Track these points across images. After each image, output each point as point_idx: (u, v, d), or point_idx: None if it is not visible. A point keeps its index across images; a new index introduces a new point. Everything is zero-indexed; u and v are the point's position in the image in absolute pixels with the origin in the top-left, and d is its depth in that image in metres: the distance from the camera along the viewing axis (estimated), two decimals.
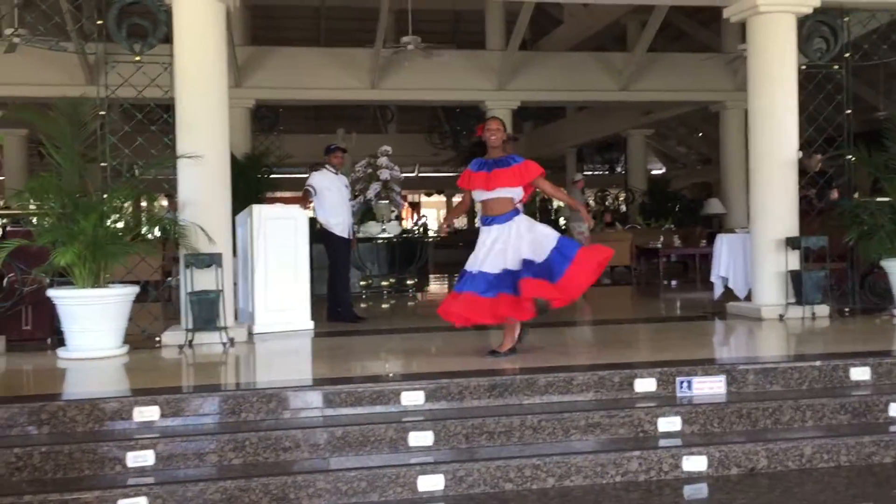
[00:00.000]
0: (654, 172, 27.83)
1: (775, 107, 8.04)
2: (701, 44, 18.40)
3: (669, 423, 5.01)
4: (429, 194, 35.59)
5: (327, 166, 8.47)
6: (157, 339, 7.21)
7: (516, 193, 5.95)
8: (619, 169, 29.53)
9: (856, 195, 10.20)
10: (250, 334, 7.42)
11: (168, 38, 7.25)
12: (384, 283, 11.94)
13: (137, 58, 7.18)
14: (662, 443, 4.88)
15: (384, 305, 10.83)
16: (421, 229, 14.58)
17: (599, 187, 28.40)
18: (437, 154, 26.19)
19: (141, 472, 4.44)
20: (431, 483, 4.47)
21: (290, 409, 4.98)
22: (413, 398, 5.08)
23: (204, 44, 7.22)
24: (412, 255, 12.28)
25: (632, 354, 6.44)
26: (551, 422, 4.92)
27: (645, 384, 5.32)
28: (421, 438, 4.76)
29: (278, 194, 18.62)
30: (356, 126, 22.21)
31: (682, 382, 5.36)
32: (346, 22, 21.08)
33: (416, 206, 34.49)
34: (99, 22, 7.14)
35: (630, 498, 4.45)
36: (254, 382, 5.45)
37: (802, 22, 8.11)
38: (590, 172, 28.51)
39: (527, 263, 5.74)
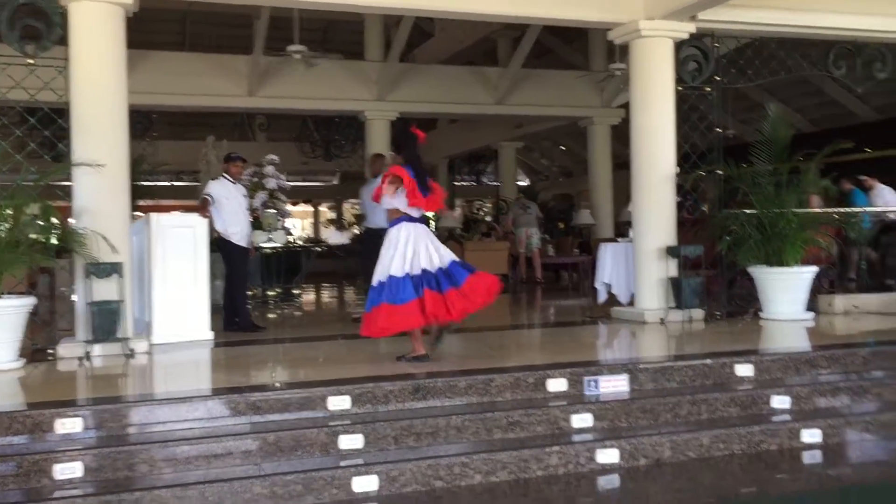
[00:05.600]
0: (518, 184, 28.72)
1: (655, 124, 8.58)
2: (565, 61, 19.19)
3: (582, 420, 5.33)
4: (295, 203, 35.23)
5: (225, 175, 8.41)
6: (50, 351, 6.97)
7: (395, 203, 6.18)
8: (484, 180, 30.31)
9: (704, 207, 10.92)
10: (149, 345, 7.28)
11: (63, 41, 7.03)
12: (270, 293, 11.83)
13: (31, 60, 6.92)
14: (577, 438, 5.20)
15: (271, 315, 10.76)
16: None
17: (467, 198, 29.03)
18: (307, 163, 26.08)
19: (69, 483, 4.36)
20: (366, 484, 4.60)
21: (217, 416, 4.99)
22: (339, 403, 5.19)
23: (101, 47, 7.05)
24: (297, 265, 12.23)
25: (539, 357, 6.76)
26: (475, 421, 5.15)
27: (556, 384, 5.64)
28: (351, 441, 4.88)
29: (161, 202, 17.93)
30: (225, 133, 21.78)
31: (589, 382, 5.71)
32: (211, 27, 20.69)
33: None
34: None
35: (552, 490, 4.74)
36: (178, 391, 5.39)
37: (679, 46, 8.71)
38: (458, 183, 29.13)
39: (444, 270, 6.02)
